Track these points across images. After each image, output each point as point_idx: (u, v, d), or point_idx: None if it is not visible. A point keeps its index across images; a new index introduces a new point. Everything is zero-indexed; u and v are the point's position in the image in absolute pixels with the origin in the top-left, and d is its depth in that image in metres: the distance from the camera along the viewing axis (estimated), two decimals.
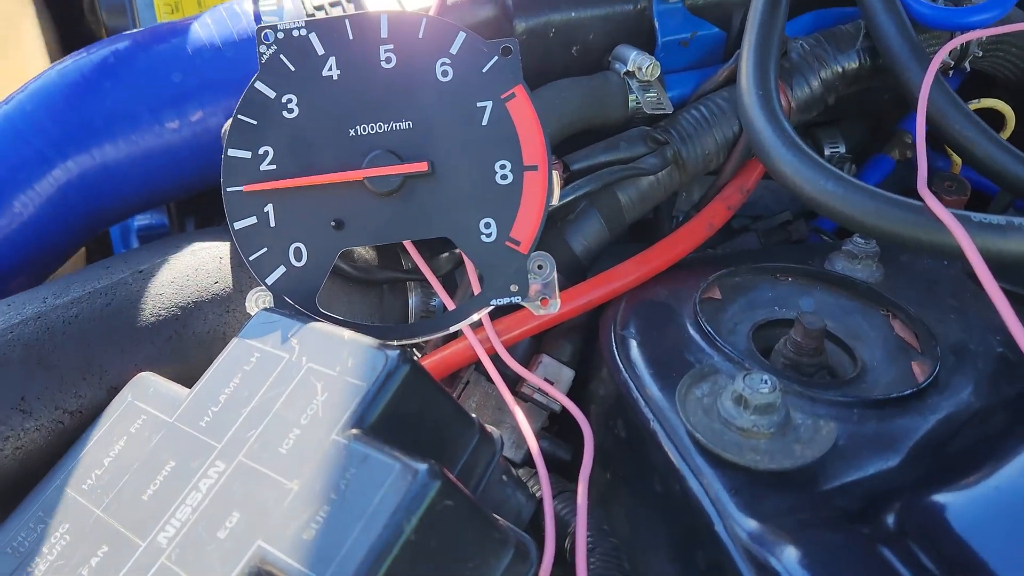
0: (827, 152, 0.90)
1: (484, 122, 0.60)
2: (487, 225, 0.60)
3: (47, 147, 0.69)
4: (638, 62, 0.74)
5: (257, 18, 0.74)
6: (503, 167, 0.60)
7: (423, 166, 0.59)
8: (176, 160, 0.73)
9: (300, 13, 0.74)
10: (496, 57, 0.60)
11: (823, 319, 0.63)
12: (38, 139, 0.69)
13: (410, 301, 0.72)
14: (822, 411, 0.57)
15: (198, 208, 0.88)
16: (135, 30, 0.74)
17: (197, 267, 0.65)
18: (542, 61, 0.78)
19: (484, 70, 0.60)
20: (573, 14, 0.77)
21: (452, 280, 0.73)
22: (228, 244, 0.67)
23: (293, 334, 0.54)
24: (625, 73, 0.75)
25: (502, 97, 0.60)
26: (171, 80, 0.71)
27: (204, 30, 0.73)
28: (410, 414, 0.50)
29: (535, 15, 0.76)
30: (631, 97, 0.76)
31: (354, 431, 0.47)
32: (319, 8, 0.76)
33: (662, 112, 0.74)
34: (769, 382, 0.54)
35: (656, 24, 0.78)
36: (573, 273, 0.73)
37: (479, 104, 0.60)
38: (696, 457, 0.54)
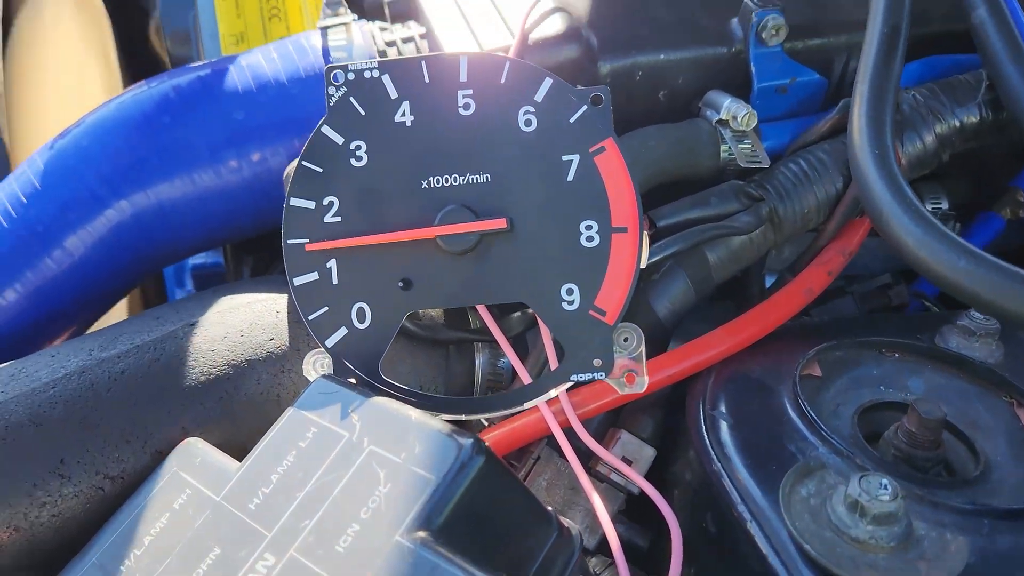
0: (928, 208, 0.82)
1: (570, 177, 0.55)
2: (569, 292, 0.54)
3: (101, 186, 0.66)
4: (733, 110, 0.68)
5: (325, 53, 0.69)
6: (589, 228, 0.54)
7: (501, 223, 0.54)
8: (234, 202, 0.69)
9: (370, 48, 0.70)
10: (585, 107, 0.55)
11: (942, 407, 0.55)
12: (92, 177, 0.66)
13: (477, 361, 0.67)
14: (947, 519, 0.50)
15: (256, 249, 0.84)
16: (198, 63, 0.71)
17: (252, 322, 0.60)
18: (626, 105, 0.72)
19: (572, 120, 0.55)
20: (662, 56, 0.71)
21: (522, 341, 0.67)
22: (286, 296, 0.62)
23: (354, 409, 0.49)
24: (717, 121, 0.69)
25: (590, 151, 0.55)
26: (233, 118, 0.67)
27: (269, 65, 0.69)
28: (482, 510, 0.44)
29: (621, 57, 0.71)
30: (723, 147, 0.70)
31: (421, 533, 0.41)
32: (391, 44, 0.72)
33: (758, 166, 0.68)
34: (890, 488, 0.47)
35: (753, 69, 0.72)
36: (656, 339, 0.67)
37: (565, 158, 0.55)
38: (803, 569, 0.47)
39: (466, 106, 0.56)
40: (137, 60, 1.30)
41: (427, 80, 0.56)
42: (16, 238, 0.65)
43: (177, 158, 0.67)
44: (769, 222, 0.68)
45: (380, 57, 0.70)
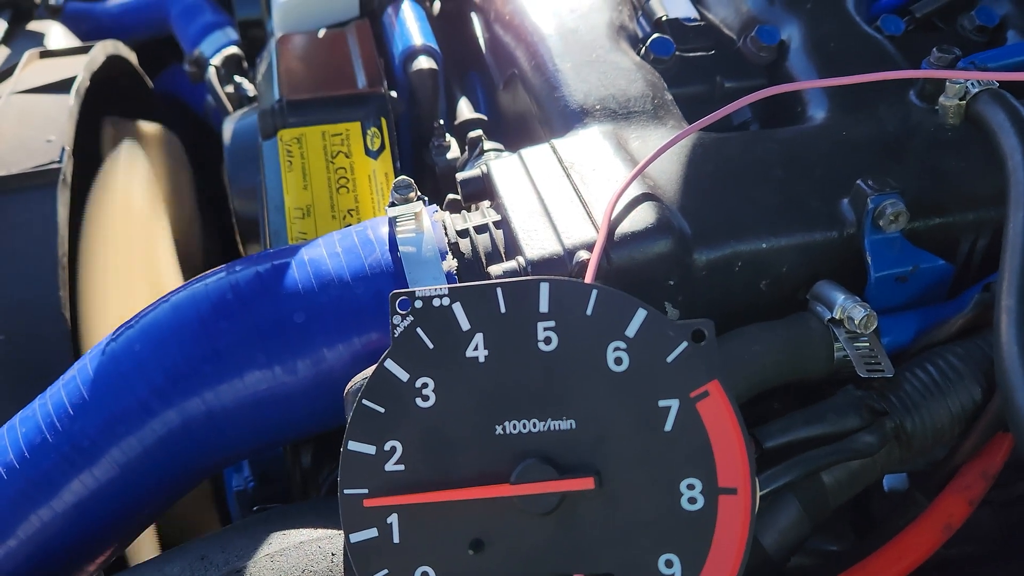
0: None
1: (668, 427, 0.47)
2: (668, 564, 0.46)
3: (151, 396, 0.61)
4: (848, 310, 0.60)
5: (392, 246, 0.64)
6: (691, 488, 0.46)
7: (588, 483, 0.46)
8: (291, 406, 0.63)
9: (441, 241, 0.64)
10: (685, 343, 0.48)
11: None
12: (143, 387, 0.61)
13: None
14: None
15: (315, 437, 0.78)
16: (258, 255, 0.66)
17: (304, 567, 0.54)
18: (724, 297, 0.65)
19: (669, 359, 0.48)
20: (764, 245, 0.64)
21: None
22: (341, 536, 0.55)
23: None
24: (829, 320, 0.61)
25: (692, 396, 0.47)
26: (293, 321, 0.62)
27: (333, 261, 0.64)
28: None
29: (719, 246, 0.63)
30: (836, 345, 0.61)
31: None
32: (463, 235, 0.66)
33: (880, 375, 0.59)
34: None
35: (869, 258, 0.63)
36: None
37: (662, 403, 0.47)
38: None
39: (547, 340, 0.49)
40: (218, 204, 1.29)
41: (503, 310, 0.50)
42: (59, 455, 0.60)
43: (231, 364, 0.61)
44: (895, 438, 0.59)
45: (452, 247, 0.65)
